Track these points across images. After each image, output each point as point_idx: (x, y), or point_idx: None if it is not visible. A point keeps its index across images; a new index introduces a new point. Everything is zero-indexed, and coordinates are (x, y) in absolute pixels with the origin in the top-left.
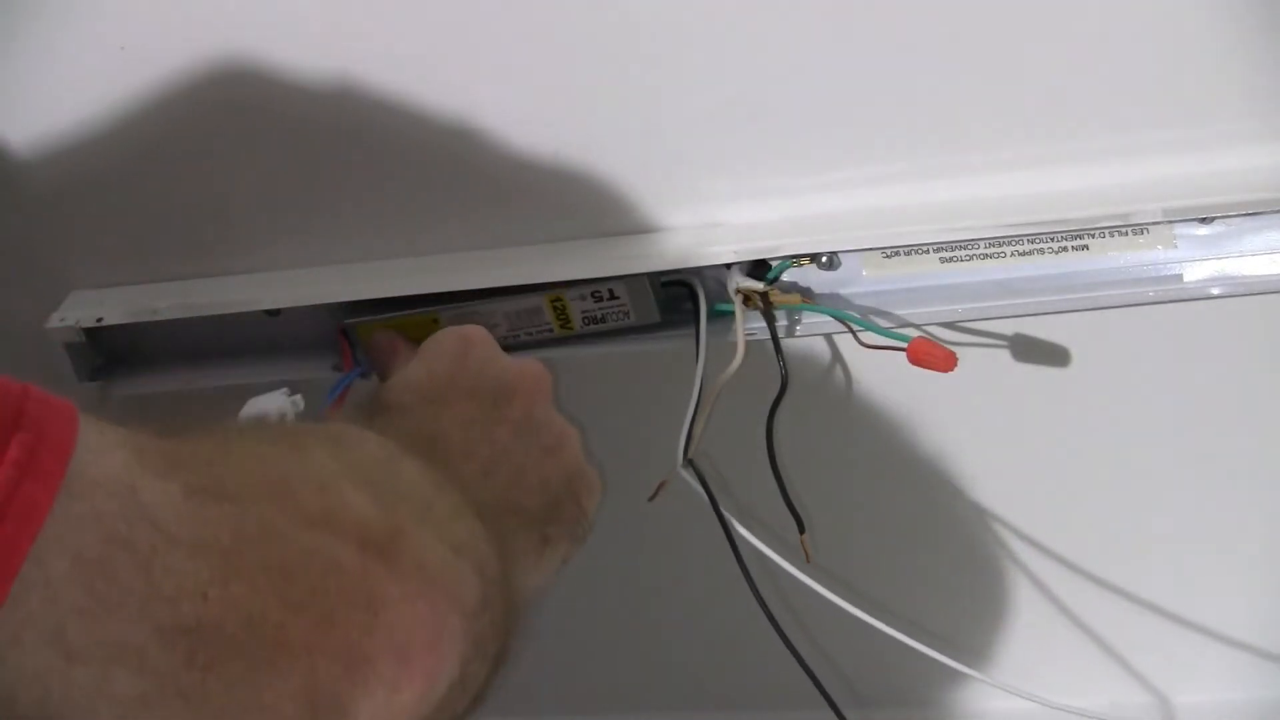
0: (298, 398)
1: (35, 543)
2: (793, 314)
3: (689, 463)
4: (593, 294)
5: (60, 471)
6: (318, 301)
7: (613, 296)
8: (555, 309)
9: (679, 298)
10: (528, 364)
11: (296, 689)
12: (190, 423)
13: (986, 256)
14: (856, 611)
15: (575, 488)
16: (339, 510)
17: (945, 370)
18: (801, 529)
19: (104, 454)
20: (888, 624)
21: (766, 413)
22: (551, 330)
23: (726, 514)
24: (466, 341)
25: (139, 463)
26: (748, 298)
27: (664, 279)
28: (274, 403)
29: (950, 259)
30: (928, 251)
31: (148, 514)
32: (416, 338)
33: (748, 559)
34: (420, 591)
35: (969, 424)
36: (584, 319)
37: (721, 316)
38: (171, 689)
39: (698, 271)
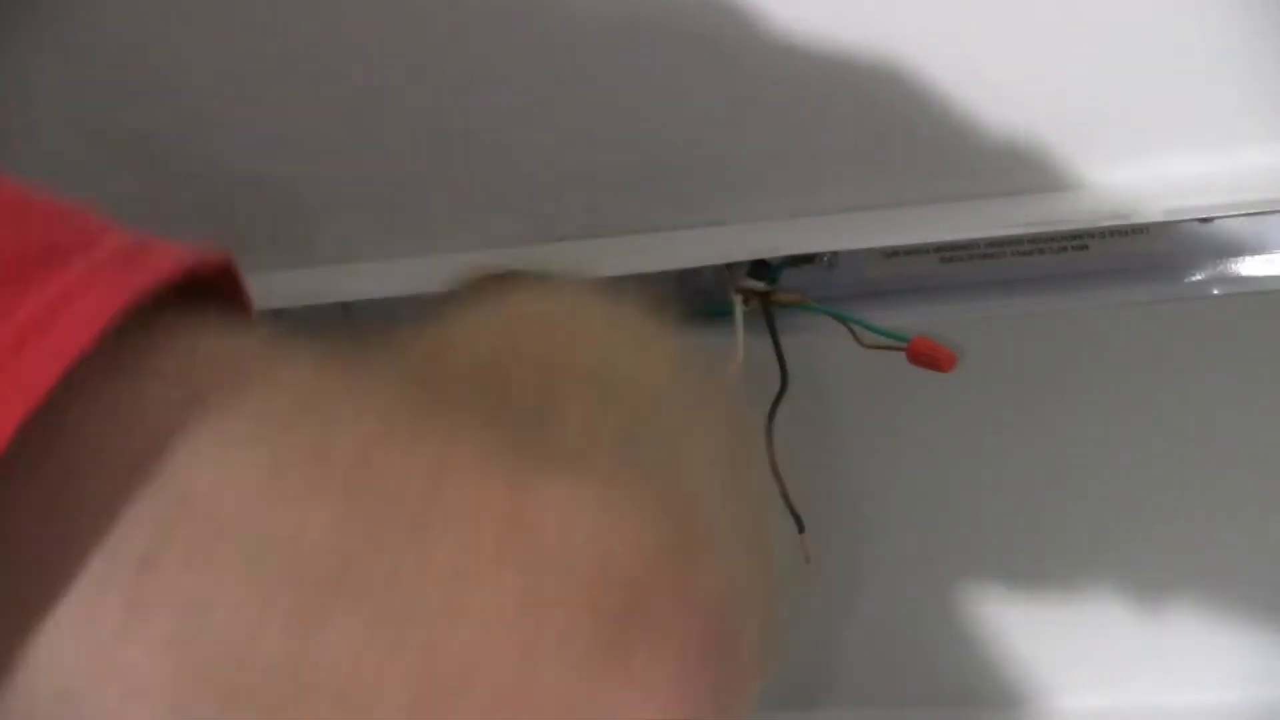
0: None
1: None
2: (793, 314)
3: None
4: None
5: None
6: (321, 301)
7: None
8: None
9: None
10: None
11: None
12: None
13: (986, 256)
14: None
15: None
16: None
17: (945, 370)
18: (801, 529)
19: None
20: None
21: (766, 413)
22: None
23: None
24: None
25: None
26: (747, 298)
27: None
28: None
29: (950, 259)
30: (928, 251)
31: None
32: None
33: None
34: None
35: (968, 424)
36: None
37: (718, 317)
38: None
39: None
